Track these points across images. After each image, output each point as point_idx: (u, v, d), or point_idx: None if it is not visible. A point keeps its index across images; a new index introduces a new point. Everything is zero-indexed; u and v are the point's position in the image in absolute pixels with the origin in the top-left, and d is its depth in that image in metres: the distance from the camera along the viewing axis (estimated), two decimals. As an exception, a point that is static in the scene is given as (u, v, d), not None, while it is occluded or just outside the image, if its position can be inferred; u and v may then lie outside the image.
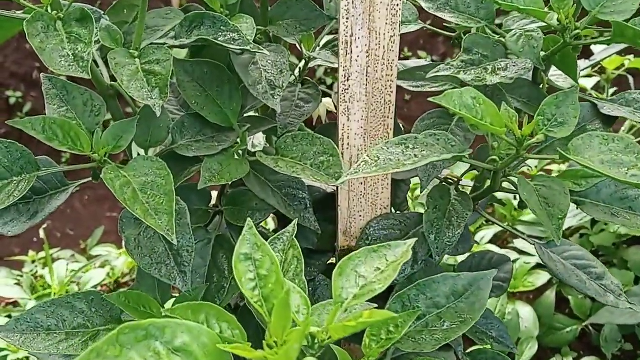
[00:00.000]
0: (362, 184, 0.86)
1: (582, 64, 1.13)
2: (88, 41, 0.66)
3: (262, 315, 0.53)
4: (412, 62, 0.98)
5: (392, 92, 0.81)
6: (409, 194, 1.79)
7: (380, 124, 0.82)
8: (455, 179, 0.90)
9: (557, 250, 0.94)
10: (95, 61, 0.84)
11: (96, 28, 0.84)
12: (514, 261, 1.82)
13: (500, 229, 1.87)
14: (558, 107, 0.71)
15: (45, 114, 0.79)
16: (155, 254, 0.77)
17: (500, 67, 0.76)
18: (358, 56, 0.78)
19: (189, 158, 0.84)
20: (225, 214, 0.89)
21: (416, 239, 0.64)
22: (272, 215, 0.92)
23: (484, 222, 1.90)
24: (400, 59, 0.80)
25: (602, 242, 1.80)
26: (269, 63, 0.87)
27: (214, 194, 0.95)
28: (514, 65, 0.75)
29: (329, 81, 2.94)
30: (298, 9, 0.91)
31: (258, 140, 1.05)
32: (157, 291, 0.83)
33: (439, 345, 0.68)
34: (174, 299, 0.84)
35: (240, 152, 0.85)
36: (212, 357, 0.44)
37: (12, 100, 3.23)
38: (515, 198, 1.85)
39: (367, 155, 0.69)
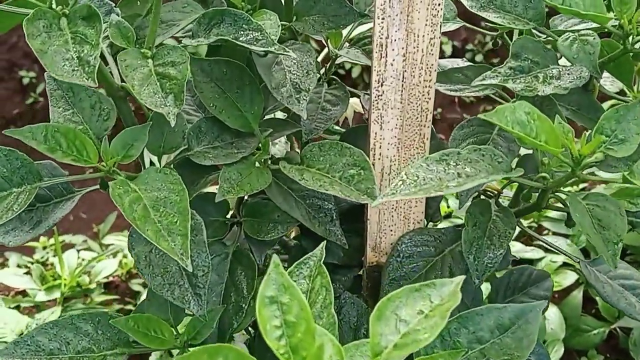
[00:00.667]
0: (393, 197, 0.79)
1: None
2: (95, 42, 0.59)
3: (289, 368, 0.46)
4: (448, 62, 0.90)
5: (429, 98, 0.73)
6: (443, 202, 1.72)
7: (416, 133, 0.75)
8: (496, 192, 0.83)
9: (603, 269, 0.87)
10: (104, 59, 0.77)
11: (106, 23, 0.77)
12: (540, 259, 1.76)
13: (526, 224, 1.80)
14: (619, 122, 0.64)
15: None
16: (168, 273, 0.70)
17: (552, 74, 0.68)
18: (394, 60, 0.71)
19: (206, 166, 0.77)
20: (244, 227, 0.82)
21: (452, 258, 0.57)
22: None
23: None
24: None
25: (631, 241, 1.72)
26: (294, 63, 0.80)
27: (232, 201, 0.88)
28: (568, 74, 0.67)
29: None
30: (326, 4, 0.84)
31: (280, 144, 0.98)
32: (170, 311, 0.76)
33: (482, 386, 0.61)
34: (188, 319, 0.77)
35: (262, 160, 0.78)
36: None
37: (26, 80, 3.17)
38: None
39: (405, 174, 0.61)
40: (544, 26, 0.74)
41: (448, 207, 1.80)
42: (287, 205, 0.80)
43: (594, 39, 0.69)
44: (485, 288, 1.20)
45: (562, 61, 0.73)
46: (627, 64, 0.71)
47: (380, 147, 0.76)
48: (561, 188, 0.72)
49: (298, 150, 0.97)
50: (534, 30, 0.75)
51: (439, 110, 2.64)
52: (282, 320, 0.48)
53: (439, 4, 0.68)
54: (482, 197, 0.82)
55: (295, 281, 0.64)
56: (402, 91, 0.72)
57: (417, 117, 0.74)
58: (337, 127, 1.03)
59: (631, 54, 0.69)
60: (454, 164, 0.63)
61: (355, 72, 2.71)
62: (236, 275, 0.79)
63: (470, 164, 0.64)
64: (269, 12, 0.78)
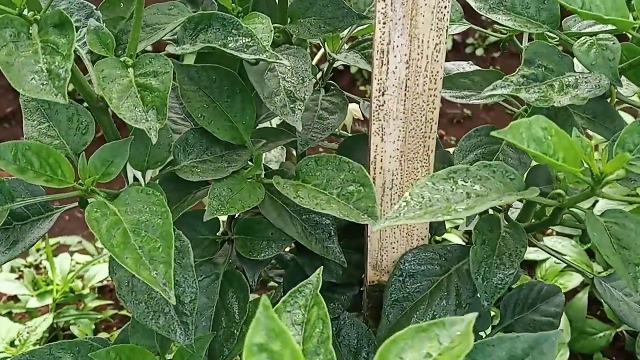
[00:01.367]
0: (396, 213, 0.73)
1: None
2: (67, 54, 0.54)
3: None
4: (453, 66, 0.85)
5: (435, 108, 0.68)
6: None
7: (420, 145, 0.69)
8: (505, 205, 0.77)
9: (619, 285, 0.81)
10: (83, 67, 0.71)
11: (85, 28, 0.71)
12: (544, 261, 1.72)
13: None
14: (643, 135, 0.58)
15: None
16: (153, 300, 0.65)
17: (569, 83, 0.62)
18: (396, 67, 0.65)
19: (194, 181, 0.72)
20: (236, 245, 0.76)
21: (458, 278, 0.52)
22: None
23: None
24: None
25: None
26: (289, 70, 0.74)
27: (223, 217, 0.82)
28: (585, 82, 0.62)
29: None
30: (323, 6, 0.78)
31: (276, 150, 0.93)
32: (156, 338, 0.71)
33: None
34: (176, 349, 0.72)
35: (255, 175, 0.72)
36: None
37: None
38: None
39: (410, 194, 0.56)
40: (558, 29, 0.69)
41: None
42: (282, 222, 0.74)
43: (613, 44, 0.63)
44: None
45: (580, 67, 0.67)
46: (648, 71, 0.65)
47: (381, 161, 0.70)
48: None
49: (294, 161, 0.92)
50: (547, 34, 0.70)
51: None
52: (272, 371, 0.42)
53: (446, 7, 0.63)
54: (491, 211, 0.77)
55: (289, 312, 0.58)
56: (405, 101, 0.67)
57: (422, 129, 0.69)
58: (343, 132, 0.98)
59: (654, 60, 0.63)
60: (463, 182, 0.58)
61: (353, 68, 2.65)
62: (227, 298, 0.73)
63: (480, 181, 0.59)
64: (261, 15, 0.72)
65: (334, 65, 0.88)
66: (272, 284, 1.42)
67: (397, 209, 0.55)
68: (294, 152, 0.92)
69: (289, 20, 0.81)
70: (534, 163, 0.76)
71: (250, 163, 0.74)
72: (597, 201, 1.50)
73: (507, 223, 0.73)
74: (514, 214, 0.82)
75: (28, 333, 1.69)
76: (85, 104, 0.70)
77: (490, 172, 0.59)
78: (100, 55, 0.65)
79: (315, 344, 0.54)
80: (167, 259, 0.56)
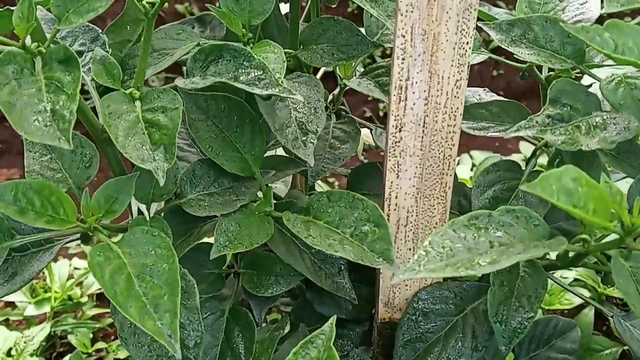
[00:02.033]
0: (410, 249, 0.71)
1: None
2: (72, 93, 0.51)
3: None
4: (469, 92, 0.82)
5: (453, 145, 0.65)
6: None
7: (437, 182, 0.67)
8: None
9: (639, 324, 0.79)
10: (86, 94, 0.69)
11: (90, 53, 0.69)
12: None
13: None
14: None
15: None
16: (156, 343, 0.62)
17: (595, 124, 0.60)
18: (414, 103, 0.62)
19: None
20: (242, 280, 0.73)
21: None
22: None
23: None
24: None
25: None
26: (300, 100, 0.71)
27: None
28: (613, 123, 0.59)
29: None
30: (336, 32, 0.75)
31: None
32: (159, 379, 0.68)
33: None
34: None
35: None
36: None
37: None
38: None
39: (429, 243, 0.53)
40: (583, 64, 0.66)
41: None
42: (291, 257, 0.71)
43: (642, 82, 0.61)
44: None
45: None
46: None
47: (396, 197, 0.67)
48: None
49: (302, 188, 0.89)
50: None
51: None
52: None
53: (467, 43, 0.60)
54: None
55: (301, 363, 0.56)
56: (422, 137, 0.64)
57: (439, 165, 0.66)
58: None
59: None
60: (485, 228, 0.55)
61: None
62: (233, 336, 0.70)
63: (502, 227, 0.56)
64: (272, 43, 0.69)
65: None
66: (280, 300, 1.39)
67: (417, 260, 0.52)
68: (300, 183, 0.89)
69: (301, 45, 0.78)
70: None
71: (259, 194, 0.72)
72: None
73: (525, 262, 0.70)
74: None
75: (25, 342, 1.66)
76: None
77: (514, 218, 0.56)
78: (105, 87, 0.63)
79: (328, 400, 0.52)
80: (173, 307, 0.53)
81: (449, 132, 0.64)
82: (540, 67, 0.75)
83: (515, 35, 0.67)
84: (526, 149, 2.22)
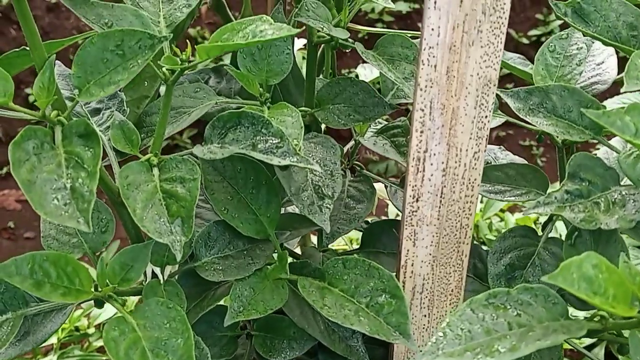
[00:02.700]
0: (425, 315, 0.70)
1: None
2: (92, 170, 0.51)
3: None
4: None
5: (470, 214, 0.65)
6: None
7: (454, 250, 0.66)
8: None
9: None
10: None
11: (107, 111, 0.69)
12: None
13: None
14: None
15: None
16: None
17: (614, 200, 0.59)
18: (432, 175, 0.62)
19: (215, 277, 0.69)
20: (255, 343, 0.73)
21: None
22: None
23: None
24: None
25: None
26: (316, 162, 0.71)
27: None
28: (633, 200, 0.59)
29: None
30: (353, 93, 0.75)
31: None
32: None
33: None
34: None
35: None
36: None
37: (32, 98, 3.11)
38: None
39: (448, 325, 0.53)
40: (602, 135, 0.66)
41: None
42: (305, 321, 0.71)
43: (662, 157, 0.60)
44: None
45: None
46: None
47: (412, 265, 0.67)
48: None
49: (313, 243, 0.88)
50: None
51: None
52: None
53: (487, 117, 0.60)
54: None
55: None
56: (439, 207, 0.64)
57: (456, 234, 0.65)
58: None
59: None
60: (503, 307, 0.55)
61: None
62: (246, 401, 0.70)
63: (521, 306, 0.55)
64: (289, 106, 0.69)
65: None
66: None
67: (435, 342, 0.52)
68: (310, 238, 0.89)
69: (317, 104, 0.78)
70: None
71: (273, 255, 0.71)
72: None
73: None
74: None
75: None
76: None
77: (532, 296, 0.56)
78: (122, 153, 0.63)
79: None
80: (188, 384, 0.53)
81: (467, 202, 0.64)
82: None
83: (533, 103, 0.66)
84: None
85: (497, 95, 0.69)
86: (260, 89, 0.73)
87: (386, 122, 0.83)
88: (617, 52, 0.76)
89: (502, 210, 2.05)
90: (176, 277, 0.69)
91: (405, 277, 0.68)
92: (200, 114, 0.73)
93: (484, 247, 0.77)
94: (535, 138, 0.75)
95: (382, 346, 0.78)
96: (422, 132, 0.60)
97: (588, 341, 1.64)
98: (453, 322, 0.53)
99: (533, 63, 0.78)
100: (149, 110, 0.76)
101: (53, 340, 1.73)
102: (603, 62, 0.81)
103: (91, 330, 1.84)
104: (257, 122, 0.63)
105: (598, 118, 0.50)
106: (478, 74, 0.58)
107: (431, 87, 0.58)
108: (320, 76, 0.87)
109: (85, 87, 0.56)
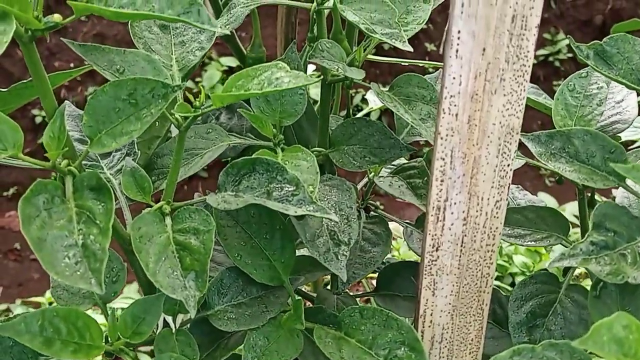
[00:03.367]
0: (443, 364, 0.68)
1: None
2: (104, 227, 0.49)
3: None
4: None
5: (491, 263, 0.63)
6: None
7: (474, 299, 0.64)
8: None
9: None
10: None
11: (118, 153, 0.68)
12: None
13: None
14: None
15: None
16: None
17: (641, 251, 0.57)
18: (452, 224, 0.60)
19: (228, 325, 0.67)
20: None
21: None
22: None
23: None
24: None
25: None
26: (332, 206, 0.70)
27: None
28: (661, 251, 0.57)
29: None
30: (368, 134, 0.74)
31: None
32: None
33: None
34: None
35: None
36: None
37: (39, 120, 3.13)
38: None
39: (471, 385, 0.51)
40: (624, 181, 0.64)
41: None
42: (321, 371, 0.69)
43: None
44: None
45: None
46: None
47: (431, 314, 0.65)
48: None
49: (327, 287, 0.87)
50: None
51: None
52: None
53: (508, 165, 0.58)
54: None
55: None
56: (460, 256, 0.62)
57: (476, 283, 0.64)
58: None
59: None
60: (528, 366, 0.53)
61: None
62: None
63: (546, 363, 0.53)
64: (304, 150, 0.68)
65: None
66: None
67: (459, 404, 0.50)
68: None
69: (331, 143, 0.76)
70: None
71: (288, 308, 0.70)
72: None
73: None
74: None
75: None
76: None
77: (558, 352, 0.54)
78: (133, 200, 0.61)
79: None
80: None
81: (488, 251, 0.62)
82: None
83: (555, 148, 0.65)
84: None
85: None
86: (274, 129, 0.72)
87: (402, 162, 0.81)
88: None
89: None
90: (188, 325, 0.67)
91: (424, 327, 0.66)
92: (213, 157, 0.72)
93: (503, 292, 0.75)
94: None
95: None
96: (442, 180, 0.58)
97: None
98: (477, 382, 0.51)
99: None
100: (160, 152, 0.74)
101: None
102: (623, 99, 0.80)
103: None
104: (272, 168, 0.61)
105: (627, 173, 0.48)
106: (500, 123, 0.56)
107: (452, 135, 0.56)
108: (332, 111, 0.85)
109: (96, 137, 0.55)
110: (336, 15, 0.71)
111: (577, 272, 1.65)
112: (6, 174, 2.99)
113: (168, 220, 0.59)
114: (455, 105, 0.55)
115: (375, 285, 0.81)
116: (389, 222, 0.84)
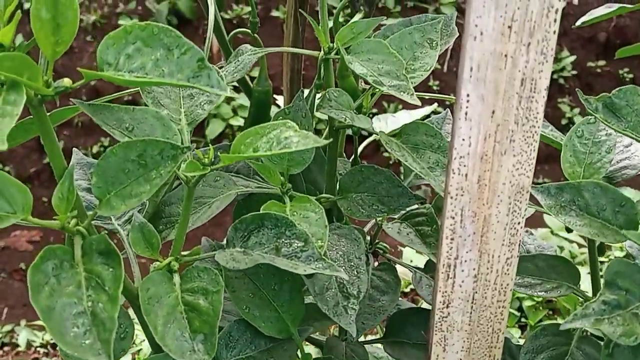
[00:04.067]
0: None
1: None
2: (113, 295, 0.49)
3: None
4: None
5: (502, 319, 0.62)
6: None
7: (485, 354, 0.64)
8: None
9: None
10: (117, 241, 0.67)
11: (126, 216, 0.67)
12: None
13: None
14: None
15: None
16: None
17: (655, 310, 0.57)
18: (463, 281, 0.60)
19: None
20: None
21: None
22: None
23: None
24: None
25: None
26: (340, 256, 0.69)
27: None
28: (674, 310, 0.56)
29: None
30: (376, 182, 0.73)
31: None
32: None
33: None
34: None
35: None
36: None
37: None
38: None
39: None
40: (636, 236, 0.63)
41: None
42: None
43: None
44: None
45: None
46: None
47: (441, 369, 0.64)
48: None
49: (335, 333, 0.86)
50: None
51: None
52: None
53: (519, 223, 0.58)
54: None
55: None
56: (471, 313, 0.61)
57: (487, 339, 0.63)
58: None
59: None
60: None
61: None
62: None
63: None
64: (312, 201, 0.68)
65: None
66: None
67: None
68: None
69: (339, 190, 0.76)
70: None
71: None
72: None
73: None
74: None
75: None
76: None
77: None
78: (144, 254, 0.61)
79: None
80: None
81: (499, 307, 0.62)
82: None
83: (565, 200, 0.64)
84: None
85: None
86: (282, 177, 0.71)
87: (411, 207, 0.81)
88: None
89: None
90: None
91: (434, 381, 0.65)
92: (222, 207, 0.72)
93: (513, 342, 0.74)
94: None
95: None
96: (452, 239, 0.58)
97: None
98: None
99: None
100: (168, 200, 0.74)
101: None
102: (631, 143, 0.80)
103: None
104: (281, 223, 0.61)
105: (638, 239, 0.47)
106: (510, 182, 0.56)
107: (462, 195, 0.56)
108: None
109: (105, 198, 0.55)
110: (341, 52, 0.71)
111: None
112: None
113: (176, 278, 0.59)
114: (464, 166, 0.55)
115: (384, 330, 0.80)
116: (398, 265, 0.84)
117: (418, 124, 0.73)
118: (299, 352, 0.70)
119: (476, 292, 0.61)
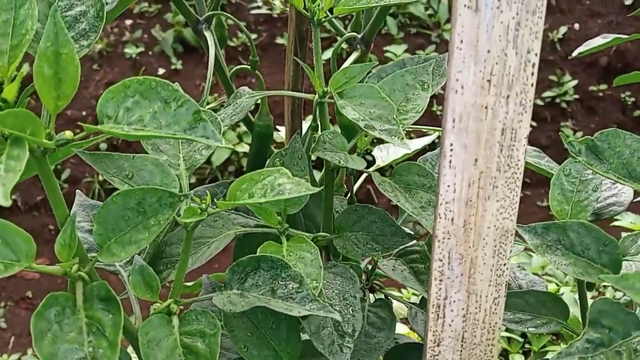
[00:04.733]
0: None
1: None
2: (113, 341, 0.51)
3: None
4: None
5: (492, 356, 0.64)
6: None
7: (476, 390, 0.66)
8: None
9: None
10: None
11: (129, 260, 0.70)
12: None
13: None
14: None
15: None
16: None
17: (636, 348, 0.59)
18: (452, 320, 0.62)
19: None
20: None
21: None
22: None
23: None
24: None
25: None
26: (335, 294, 0.71)
27: None
28: (656, 350, 0.58)
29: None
30: (370, 221, 0.75)
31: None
32: None
33: None
34: None
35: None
36: None
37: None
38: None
39: None
40: (619, 275, 0.65)
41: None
42: None
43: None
44: None
45: None
46: None
47: (434, 405, 0.66)
48: None
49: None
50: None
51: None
52: None
53: (505, 264, 0.60)
54: None
55: None
56: (461, 351, 0.63)
57: (477, 376, 0.65)
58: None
59: None
60: None
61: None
62: None
63: None
64: (309, 242, 0.70)
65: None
66: None
67: None
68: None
69: (336, 229, 0.78)
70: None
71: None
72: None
73: None
74: None
75: None
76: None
77: None
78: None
79: None
80: None
81: (488, 345, 0.64)
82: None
83: (551, 240, 0.66)
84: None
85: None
86: (279, 217, 0.74)
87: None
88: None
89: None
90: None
91: (427, 417, 0.67)
92: (220, 247, 0.74)
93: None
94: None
95: None
96: (441, 280, 0.60)
97: None
98: None
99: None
100: (169, 241, 0.76)
101: None
102: (619, 180, 0.81)
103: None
104: (276, 265, 0.64)
105: (616, 283, 0.49)
106: (495, 226, 0.58)
107: (449, 238, 0.58)
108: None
109: (106, 245, 0.57)
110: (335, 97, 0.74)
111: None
112: (17, 222, 3.03)
113: (175, 320, 0.61)
114: (450, 211, 0.57)
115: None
116: (393, 300, 0.86)
117: (410, 164, 0.75)
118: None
119: (466, 331, 0.63)
